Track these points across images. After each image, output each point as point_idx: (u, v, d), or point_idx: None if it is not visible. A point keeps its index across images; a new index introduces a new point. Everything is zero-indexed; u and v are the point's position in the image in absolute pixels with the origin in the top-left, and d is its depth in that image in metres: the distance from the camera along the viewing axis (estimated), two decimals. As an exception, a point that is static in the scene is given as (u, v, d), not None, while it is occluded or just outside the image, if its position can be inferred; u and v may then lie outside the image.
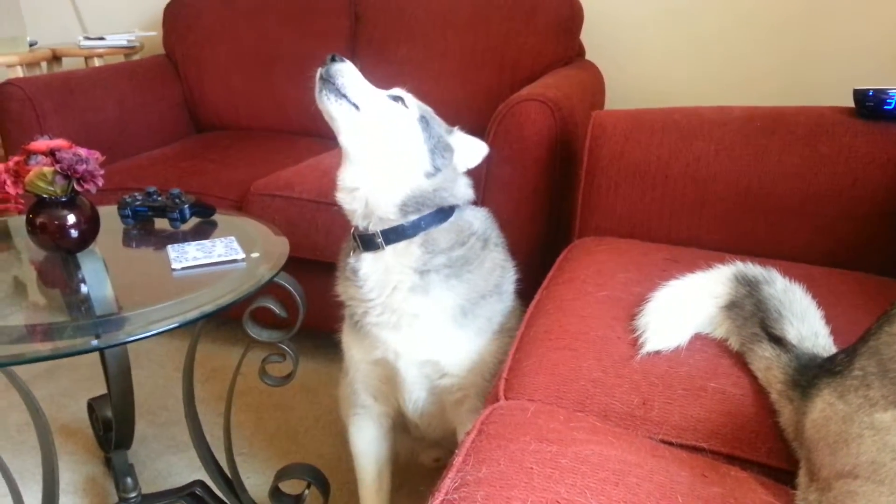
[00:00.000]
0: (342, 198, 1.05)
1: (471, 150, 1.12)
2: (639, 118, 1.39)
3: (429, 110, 1.09)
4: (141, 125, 2.27)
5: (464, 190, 1.09)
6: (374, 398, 1.17)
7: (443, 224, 1.04)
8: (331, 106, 0.99)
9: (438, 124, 1.09)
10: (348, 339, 1.14)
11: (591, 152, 1.40)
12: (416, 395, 1.12)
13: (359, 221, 1.04)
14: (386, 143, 1.01)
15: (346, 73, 0.99)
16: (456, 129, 1.12)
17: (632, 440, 0.76)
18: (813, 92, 2.01)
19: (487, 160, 1.55)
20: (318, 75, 0.99)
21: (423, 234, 1.03)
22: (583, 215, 1.42)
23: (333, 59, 0.99)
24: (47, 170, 1.12)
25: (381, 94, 1.04)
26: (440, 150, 1.05)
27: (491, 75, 2.09)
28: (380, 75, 2.20)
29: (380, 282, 1.04)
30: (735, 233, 1.29)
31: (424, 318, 1.04)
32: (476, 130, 1.90)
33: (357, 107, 0.99)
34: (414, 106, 1.06)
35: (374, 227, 1.02)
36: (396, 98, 1.05)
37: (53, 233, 1.14)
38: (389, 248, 1.03)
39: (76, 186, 1.12)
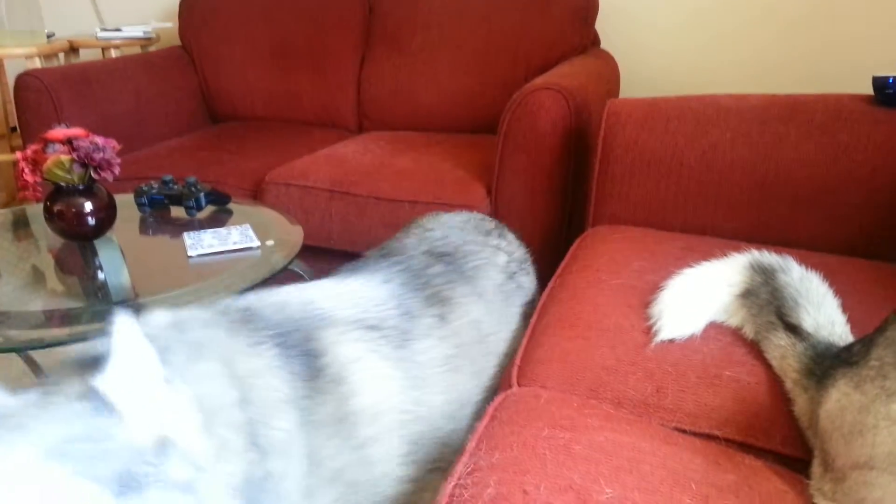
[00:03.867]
0: None
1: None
2: (654, 106, 1.37)
3: None
4: (157, 116, 2.29)
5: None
6: None
7: None
8: None
9: None
10: None
11: (606, 140, 1.39)
12: None
13: None
14: None
15: None
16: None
17: (645, 428, 0.76)
18: (831, 80, 1.98)
19: (501, 149, 1.55)
20: None
21: None
22: (597, 203, 1.41)
23: None
24: (65, 158, 1.13)
25: None
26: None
27: (505, 65, 2.08)
28: (394, 67, 2.22)
29: None
30: (751, 221, 1.28)
31: None
32: (491, 120, 1.90)
33: None
34: None
35: None
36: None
37: (71, 220, 1.16)
38: None
39: (93, 174, 1.13)
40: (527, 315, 1.00)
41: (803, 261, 0.92)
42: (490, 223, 1.10)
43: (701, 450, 0.72)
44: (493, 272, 0.93)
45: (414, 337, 0.77)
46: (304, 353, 0.67)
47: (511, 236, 1.11)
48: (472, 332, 0.83)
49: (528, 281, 1.03)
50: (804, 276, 0.88)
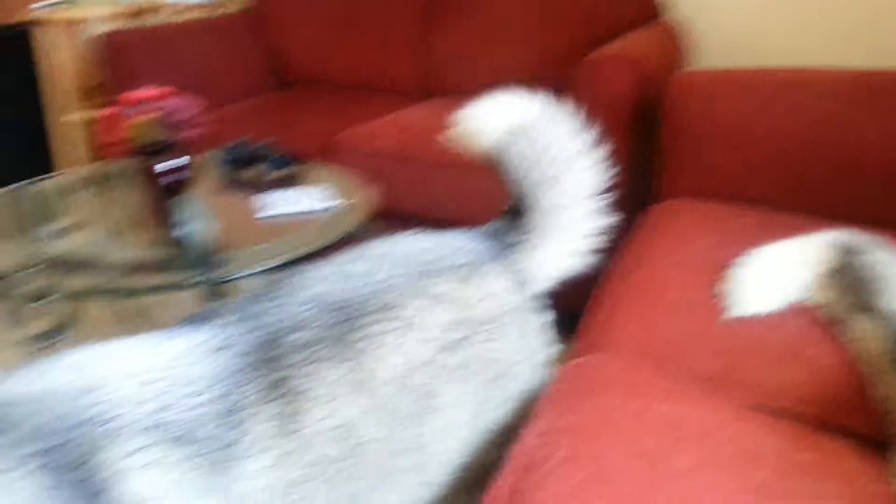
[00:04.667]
0: None
1: None
2: (724, 78, 1.34)
3: None
4: (225, 79, 2.33)
5: None
6: None
7: None
8: None
9: None
10: None
11: (673, 113, 1.36)
12: None
13: None
14: None
15: None
16: None
17: (717, 402, 0.76)
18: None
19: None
20: None
21: None
22: (665, 177, 1.39)
23: None
24: (149, 117, 1.17)
25: None
26: None
27: (567, 35, 2.04)
28: (455, 37, 2.20)
29: None
30: (828, 199, 1.23)
31: None
32: (557, 87, 1.84)
33: None
34: None
35: None
36: None
37: (155, 177, 1.20)
38: None
39: (178, 133, 1.17)
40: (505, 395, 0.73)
41: (889, 242, 0.89)
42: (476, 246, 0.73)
43: (774, 427, 0.72)
44: (410, 342, 0.61)
45: (238, 454, 0.51)
46: (79, 481, 0.45)
47: (503, 276, 0.73)
48: (335, 442, 0.56)
49: (494, 347, 0.69)
50: (891, 259, 0.85)
